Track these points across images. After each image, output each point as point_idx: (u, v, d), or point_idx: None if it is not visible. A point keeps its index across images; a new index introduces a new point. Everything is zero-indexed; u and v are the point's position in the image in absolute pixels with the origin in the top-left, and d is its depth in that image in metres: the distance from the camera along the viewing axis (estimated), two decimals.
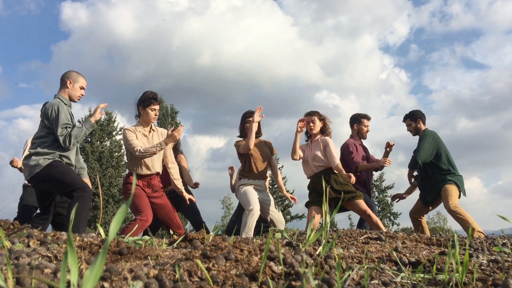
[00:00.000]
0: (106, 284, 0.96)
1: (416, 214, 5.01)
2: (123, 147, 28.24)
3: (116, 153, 27.63)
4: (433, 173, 4.77)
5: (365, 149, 5.18)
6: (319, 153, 4.46)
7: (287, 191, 4.94)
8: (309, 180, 4.62)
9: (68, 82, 3.76)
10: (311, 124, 4.54)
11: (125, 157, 27.92)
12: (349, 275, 1.14)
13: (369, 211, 4.29)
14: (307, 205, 4.50)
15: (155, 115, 3.96)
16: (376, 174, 28.77)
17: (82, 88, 3.83)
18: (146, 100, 3.91)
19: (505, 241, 2.39)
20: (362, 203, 4.31)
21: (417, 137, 4.96)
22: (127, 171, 4.13)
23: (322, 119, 4.59)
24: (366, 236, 2.24)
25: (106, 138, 27.78)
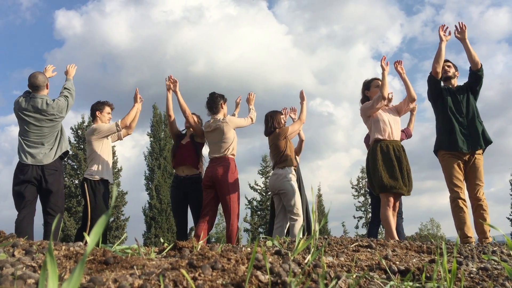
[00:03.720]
0: None
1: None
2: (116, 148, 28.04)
3: None
4: (478, 117, 4.15)
5: None
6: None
7: None
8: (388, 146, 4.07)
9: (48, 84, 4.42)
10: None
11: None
12: (336, 282, 1.13)
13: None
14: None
15: None
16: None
17: None
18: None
19: (495, 248, 2.40)
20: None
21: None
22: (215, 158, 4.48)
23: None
24: (356, 244, 2.23)
25: None
